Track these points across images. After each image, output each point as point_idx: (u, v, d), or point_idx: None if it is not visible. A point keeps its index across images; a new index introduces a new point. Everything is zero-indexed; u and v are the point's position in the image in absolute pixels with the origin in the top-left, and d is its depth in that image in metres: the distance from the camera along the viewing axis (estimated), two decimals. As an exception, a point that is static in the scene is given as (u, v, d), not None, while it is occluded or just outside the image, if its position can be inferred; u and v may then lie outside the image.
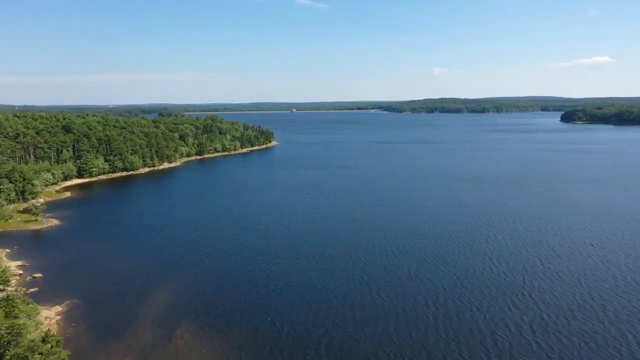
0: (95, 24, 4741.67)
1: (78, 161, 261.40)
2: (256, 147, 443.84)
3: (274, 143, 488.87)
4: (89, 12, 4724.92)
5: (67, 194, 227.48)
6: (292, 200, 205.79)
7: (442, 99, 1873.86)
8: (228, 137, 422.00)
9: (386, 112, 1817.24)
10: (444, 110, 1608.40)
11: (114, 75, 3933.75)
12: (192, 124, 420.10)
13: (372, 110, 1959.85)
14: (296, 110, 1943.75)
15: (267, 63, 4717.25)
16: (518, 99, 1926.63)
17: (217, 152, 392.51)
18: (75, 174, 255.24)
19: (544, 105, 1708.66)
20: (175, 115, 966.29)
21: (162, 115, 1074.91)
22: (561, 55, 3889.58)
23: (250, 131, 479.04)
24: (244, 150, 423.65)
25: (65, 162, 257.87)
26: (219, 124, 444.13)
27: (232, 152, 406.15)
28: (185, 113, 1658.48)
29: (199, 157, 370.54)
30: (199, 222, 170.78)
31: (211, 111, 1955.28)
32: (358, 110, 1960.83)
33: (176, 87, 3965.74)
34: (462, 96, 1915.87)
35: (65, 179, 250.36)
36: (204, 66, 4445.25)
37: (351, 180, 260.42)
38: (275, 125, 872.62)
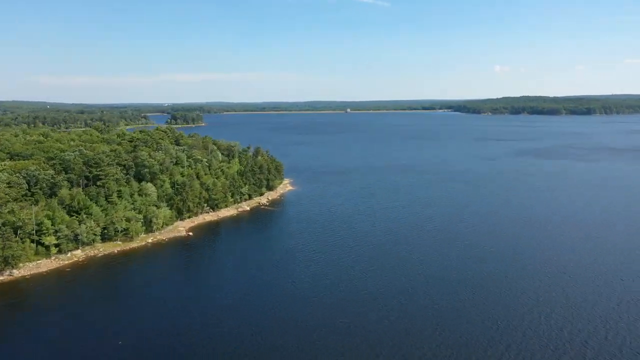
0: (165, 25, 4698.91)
1: None
2: (227, 214, 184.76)
3: (280, 191, 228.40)
4: (160, 16, 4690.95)
5: None
6: None
7: (526, 97, 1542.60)
8: (152, 190, 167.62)
9: (457, 112, 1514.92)
10: (534, 111, 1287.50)
11: (180, 75, 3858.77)
12: (52, 160, 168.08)
13: (440, 111, 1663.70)
14: (350, 110, 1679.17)
15: (326, 61, 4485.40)
16: (623, 97, 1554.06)
17: (88, 245, 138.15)
18: None
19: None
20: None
21: (175, 118, 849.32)
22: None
23: (234, 166, 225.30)
24: (184, 228, 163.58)
25: None
26: (142, 155, 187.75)
27: (146, 242, 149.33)
28: (207, 113, 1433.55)
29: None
30: None
31: (257, 110, 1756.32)
32: (423, 111, 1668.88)
33: (237, 86, 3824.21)
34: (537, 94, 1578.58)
35: None
36: (264, 66, 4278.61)
37: None
38: (315, 135, 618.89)
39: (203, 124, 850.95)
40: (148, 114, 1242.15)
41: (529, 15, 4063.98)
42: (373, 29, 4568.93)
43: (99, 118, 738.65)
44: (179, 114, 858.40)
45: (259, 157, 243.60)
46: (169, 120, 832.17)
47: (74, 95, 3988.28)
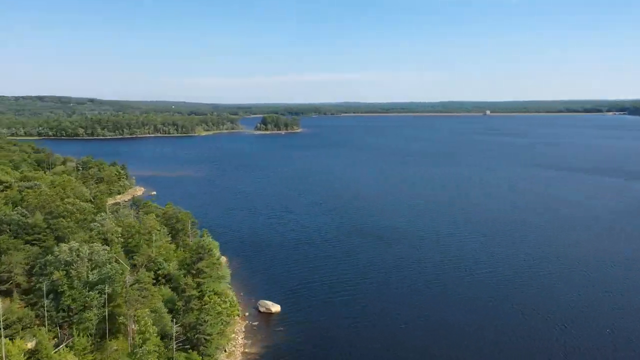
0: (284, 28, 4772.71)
1: None
2: None
3: None
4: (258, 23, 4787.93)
5: None
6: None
7: None
8: None
9: (633, 116, 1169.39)
10: None
11: (309, 76, 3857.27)
12: None
13: (609, 114, 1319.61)
14: (490, 112, 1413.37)
15: (463, 57, 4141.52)
16: None
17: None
18: None
19: None
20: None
21: (265, 122, 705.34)
22: None
23: None
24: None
25: None
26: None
27: None
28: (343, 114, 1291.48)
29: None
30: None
31: (382, 112, 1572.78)
32: (585, 114, 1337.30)
33: (370, 86, 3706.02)
34: None
35: None
36: (398, 65, 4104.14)
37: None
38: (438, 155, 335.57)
39: (298, 130, 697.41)
40: (251, 116, 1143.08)
41: None
42: (521, 20, 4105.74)
43: (171, 122, 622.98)
44: (269, 117, 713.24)
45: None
46: (258, 125, 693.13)
47: (218, 96, 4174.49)
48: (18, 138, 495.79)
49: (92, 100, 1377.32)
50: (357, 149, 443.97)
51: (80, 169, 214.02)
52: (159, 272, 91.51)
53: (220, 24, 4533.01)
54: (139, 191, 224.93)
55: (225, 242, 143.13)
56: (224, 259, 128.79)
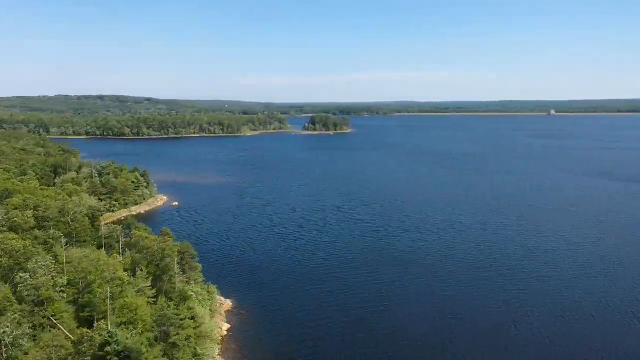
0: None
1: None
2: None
3: None
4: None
5: None
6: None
7: None
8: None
9: None
10: None
11: (364, 75, 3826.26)
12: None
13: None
14: (555, 112, 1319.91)
15: (526, 53, 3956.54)
16: None
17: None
18: None
19: None
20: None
21: (313, 122, 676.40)
22: None
23: None
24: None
25: None
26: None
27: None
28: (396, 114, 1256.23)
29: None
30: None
31: (439, 111, 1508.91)
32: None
33: (420, 85, 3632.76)
34: None
35: None
36: (445, 64, 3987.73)
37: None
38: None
39: (347, 130, 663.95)
40: (302, 115, 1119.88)
41: None
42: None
43: (217, 122, 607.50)
44: (318, 117, 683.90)
45: None
46: (306, 125, 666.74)
47: (272, 95, 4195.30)
48: (66, 137, 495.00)
49: (149, 100, 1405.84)
50: (406, 152, 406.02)
51: (97, 175, 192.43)
52: (108, 349, 62.61)
53: (274, 26, 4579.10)
54: (160, 201, 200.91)
55: (235, 276, 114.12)
56: (228, 304, 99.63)
